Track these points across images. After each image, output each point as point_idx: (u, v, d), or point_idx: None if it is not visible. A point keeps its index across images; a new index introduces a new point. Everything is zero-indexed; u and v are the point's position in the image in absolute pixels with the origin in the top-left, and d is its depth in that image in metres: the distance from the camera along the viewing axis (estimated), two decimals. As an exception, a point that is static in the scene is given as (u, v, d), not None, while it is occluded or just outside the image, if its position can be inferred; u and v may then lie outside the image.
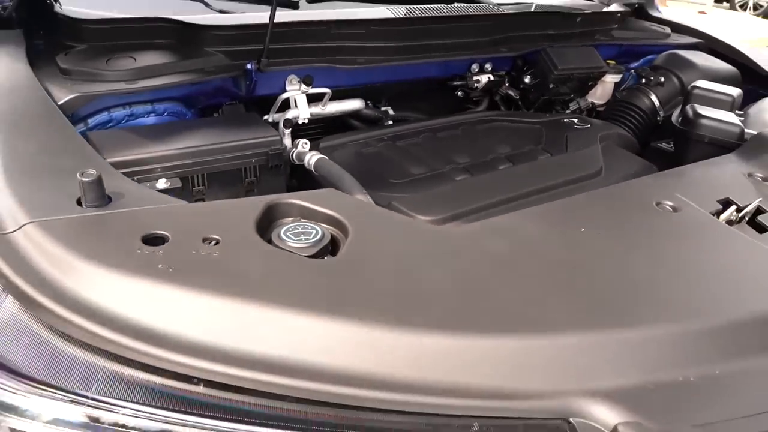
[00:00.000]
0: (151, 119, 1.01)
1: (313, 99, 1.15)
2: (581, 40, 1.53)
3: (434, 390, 0.53)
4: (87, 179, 0.64)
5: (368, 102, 1.29)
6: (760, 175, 0.96)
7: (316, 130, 1.22)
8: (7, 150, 0.73)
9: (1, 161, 0.71)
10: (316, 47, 1.14)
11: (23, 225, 0.61)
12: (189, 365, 0.51)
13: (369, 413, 0.53)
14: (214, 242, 0.62)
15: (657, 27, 1.76)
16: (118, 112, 0.98)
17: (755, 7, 12.03)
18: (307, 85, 1.10)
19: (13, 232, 0.60)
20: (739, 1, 12.46)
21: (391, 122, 1.32)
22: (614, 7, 1.75)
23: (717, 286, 0.69)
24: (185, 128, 0.95)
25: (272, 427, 0.51)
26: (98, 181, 0.65)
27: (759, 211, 0.87)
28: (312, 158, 0.99)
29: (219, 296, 0.55)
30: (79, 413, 0.50)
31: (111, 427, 0.50)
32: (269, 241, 0.65)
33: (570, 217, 0.78)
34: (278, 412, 0.52)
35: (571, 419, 0.54)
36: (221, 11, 1.26)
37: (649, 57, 1.65)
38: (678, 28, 1.78)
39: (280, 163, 0.96)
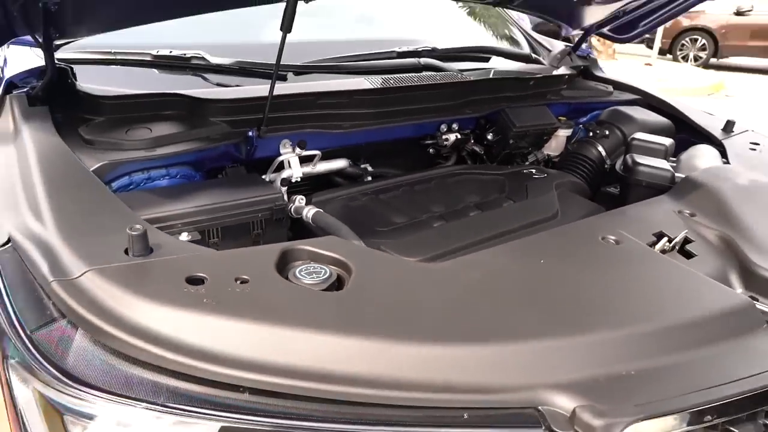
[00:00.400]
0: (165, 181, 1.14)
1: (303, 159, 1.31)
2: (535, 100, 1.74)
3: (432, 388, 0.67)
4: (135, 233, 0.77)
5: (350, 160, 1.45)
6: (687, 211, 1.14)
7: (304, 186, 1.37)
8: (58, 210, 0.86)
9: (55, 220, 0.83)
10: (306, 115, 1.31)
11: (85, 272, 0.73)
12: (236, 376, 0.65)
13: (380, 409, 0.66)
14: (243, 281, 0.76)
15: (601, 86, 1.99)
16: (138, 176, 1.11)
17: (695, 59, 12.80)
18: (302, 148, 1.26)
19: (77, 277, 0.73)
20: (680, 54, 13.23)
21: (370, 178, 1.48)
22: (563, 70, 1.98)
23: (652, 299, 0.85)
24: (198, 189, 1.09)
25: (304, 420, 0.64)
26: (144, 235, 0.78)
27: (686, 240, 1.05)
28: (309, 212, 1.13)
29: (256, 322, 0.69)
30: (151, 417, 0.63)
31: (177, 426, 0.63)
32: (287, 279, 0.79)
33: (531, 252, 0.94)
34: (307, 411, 0.65)
35: (539, 407, 0.68)
36: (218, 84, 1.42)
37: (595, 113, 1.86)
38: (619, 86, 2.01)
39: (283, 217, 1.11)
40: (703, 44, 12.83)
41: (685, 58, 12.97)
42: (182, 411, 0.63)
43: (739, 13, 12.09)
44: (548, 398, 0.68)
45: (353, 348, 0.68)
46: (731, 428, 0.74)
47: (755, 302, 0.89)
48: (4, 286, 0.77)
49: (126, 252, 0.78)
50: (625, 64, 11.60)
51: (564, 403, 0.67)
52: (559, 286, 0.85)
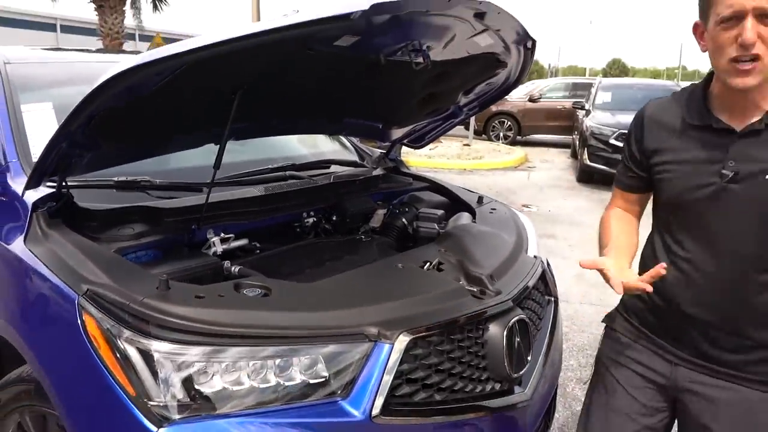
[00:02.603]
0: (145, 257, 1.91)
1: (222, 240, 2.12)
2: (362, 192, 2.69)
3: (317, 328, 1.53)
4: (162, 279, 1.56)
5: (248, 239, 2.28)
6: (442, 249, 2.12)
7: (221, 256, 2.18)
8: (108, 273, 1.60)
9: (109, 278, 1.58)
10: (223, 213, 2.14)
11: (143, 298, 1.51)
12: (222, 331, 1.46)
13: (295, 340, 1.51)
14: (221, 296, 1.58)
15: (404, 179, 3.01)
16: (131, 255, 1.87)
17: (505, 137, 15.01)
18: (226, 234, 2.09)
19: (142, 300, 1.50)
20: (493, 133, 15.38)
21: (259, 250, 2.31)
22: (379, 171, 2.98)
23: (416, 288, 1.79)
24: (170, 260, 1.88)
25: (251, 347, 1.48)
26: (167, 280, 1.57)
27: (440, 263, 2.01)
28: (236, 268, 1.95)
29: (230, 309, 1.51)
30: (186, 348, 1.43)
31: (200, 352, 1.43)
32: (240, 293, 1.62)
33: (360, 275, 1.85)
34: (254, 343, 1.48)
35: (364, 332, 1.56)
36: (158, 197, 2.21)
37: (401, 197, 2.86)
38: (416, 178, 3.05)
39: (220, 273, 1.92)
40: (509, 125, 15.12)
41: (497, 137, 15.16)
42: (200, 344, 1.44)
43: (532, 100, 14.58)
44: (368, 329, 1.57)
45: (278, 316, 1.53)
46: (452, 336, 1.68)
47: (466, 286, 1.86)
48: (100, 309, 1.52)
49: (157, 287, 1.56)
50: (448, 145, 13.39)
51: (374, 330, 1.57)
52: (373, 287, 1.77)
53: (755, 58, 1.28)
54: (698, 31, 1.44)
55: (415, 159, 10.83)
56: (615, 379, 1.65)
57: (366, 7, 1.39)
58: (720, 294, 1.43)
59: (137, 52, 2.20)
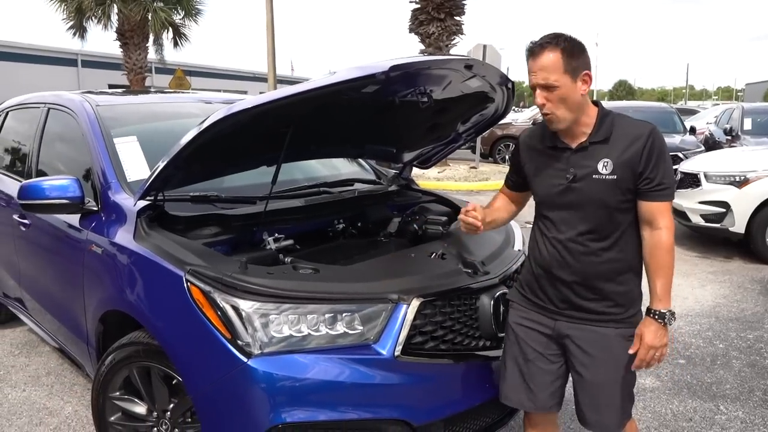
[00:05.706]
0: (221, 250, 2.54)
1: (275, 240, 2.75)
2: (380, 204, 3.33)
3: (355, 295, 2.15)
4: (243, 260, 2.19)
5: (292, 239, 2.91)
6: (445, 244, 2.73)
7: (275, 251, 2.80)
8: (202, 258, 2.24)
9: (204, 262, 2.22)
10: (275, 219, 2.78)
11: (231, 274, 2.14)
12: (287, 295, 2.09)
13: (344, 302, 2.13)
14: (285, 272, 2.21)
15: (414, 193, 3.64)
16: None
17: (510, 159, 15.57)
18: (279, 235, 2.72)
19: (231, 275, 2.13)
20: (499, 156, 15.97)
21: (298, 246, 2.93)
22: (393, 187, 3.62)
23: (425, 268, 2.41)
24: (241, 251, 2.51)
25: (309, 303, 2.10)
26: (246, 262, 2.20)
27: (443, 253, 2.62)
28: (288, 259, 2.56)
29: (292, 279, 2.14)
30: (263, 305, 2.06)
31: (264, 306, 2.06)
32: (297, 270, 2.25)
33: (387, 260, 2.48)
34: (312, 302, 2.11)
35: (388, 297, 2.18)
36: (223, 208, 2.85)
37: (413, 207, 3.49)
38: (425, 192, 3.69)
39: (278, 261, 2.54)
40: (514, 148, 15.67)
41: (503, 160, 15.76)
42: (273, 302, 2.07)
43: (535, 124, 15.19)
44: (391, 295, 2.18)
45: (326, 285, 2.16)
46: (452, 303, 2.29)
47: (463, 268, 2.47)
48: (202, 281, 2.14)
49: (239, 267, 2.19)
50: (456, 168, 14.02)
51: (395, 296, 2.18)
52: (393, 268, 2.39)
53: (550, 112, 1.93)
54: None
55: (425, 182, 11.49)
56: (518, 336, 2.19)
57: (386, 68, 2.04)
58: (576, 260, 2.02)
59: (161, 89, 2.87)
